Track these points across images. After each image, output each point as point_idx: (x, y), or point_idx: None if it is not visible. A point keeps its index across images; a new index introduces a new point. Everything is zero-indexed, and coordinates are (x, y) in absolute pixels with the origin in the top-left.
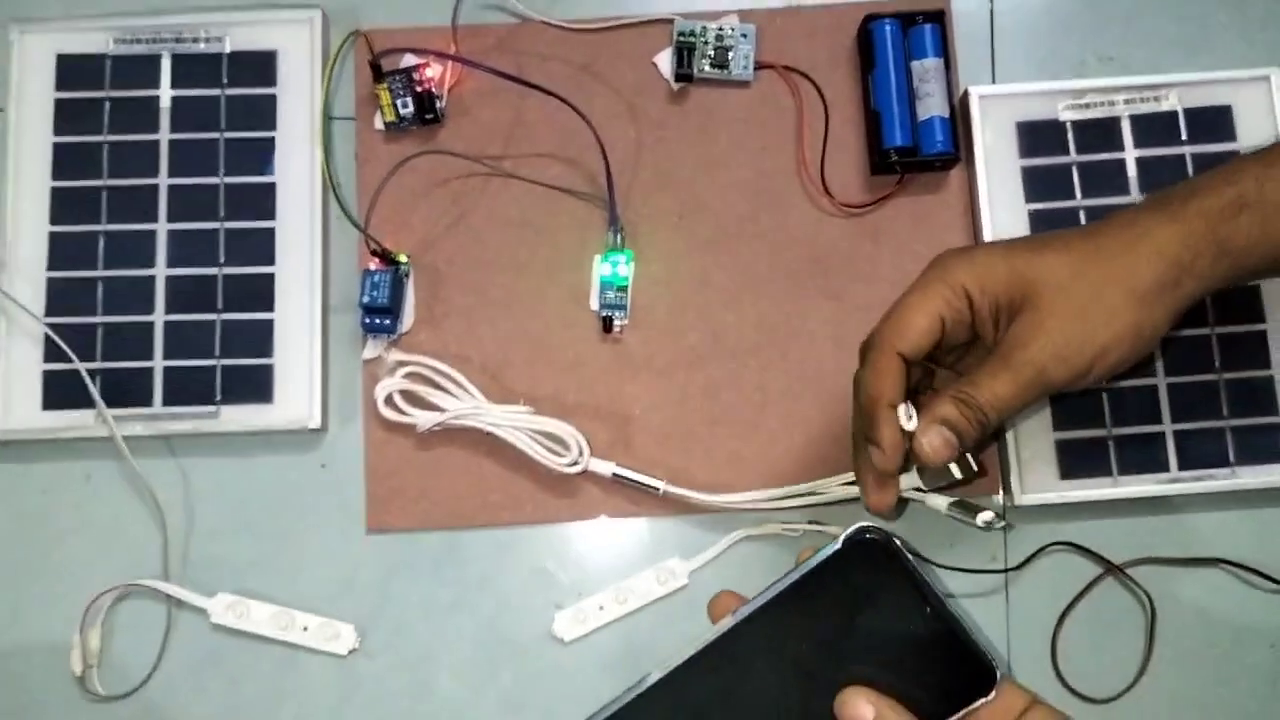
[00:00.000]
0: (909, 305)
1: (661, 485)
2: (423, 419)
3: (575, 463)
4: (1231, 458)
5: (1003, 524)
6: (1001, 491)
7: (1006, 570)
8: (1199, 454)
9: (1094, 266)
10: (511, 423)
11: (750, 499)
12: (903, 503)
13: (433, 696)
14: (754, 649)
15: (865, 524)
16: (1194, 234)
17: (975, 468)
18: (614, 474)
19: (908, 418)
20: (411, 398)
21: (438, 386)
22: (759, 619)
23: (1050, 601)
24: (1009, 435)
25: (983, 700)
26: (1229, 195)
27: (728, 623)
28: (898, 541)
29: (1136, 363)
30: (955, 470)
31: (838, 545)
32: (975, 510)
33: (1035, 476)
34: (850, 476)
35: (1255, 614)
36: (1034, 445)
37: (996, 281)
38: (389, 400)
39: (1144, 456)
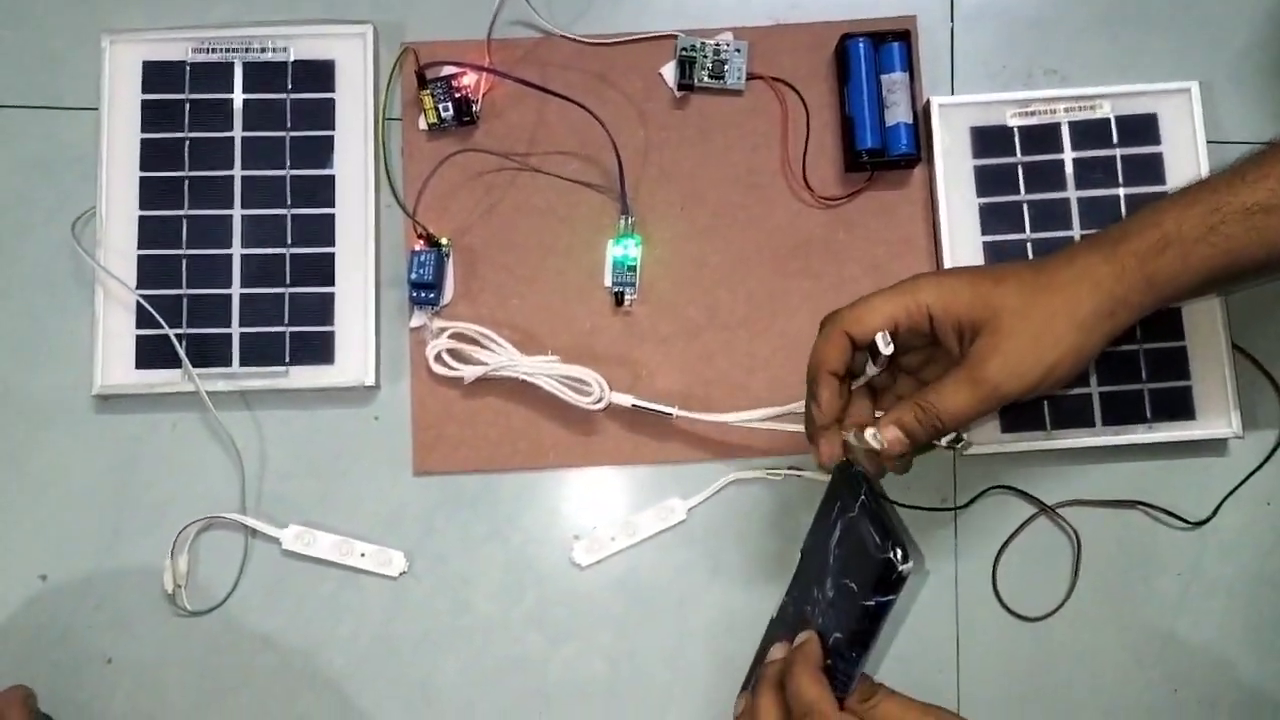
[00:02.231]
0: (871, 302)
1: (674, 410)
2: (468, 372)
3: (599, 400)
4: (1148, 415)
5: (963, 443)
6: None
7: (955, 509)
8: (1121, 412)
9: (1044, 298)
10: (542, 370)
11: (747, 417)
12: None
13: (470, 613)
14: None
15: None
16: (1126, 271)
17: (962, 436)
18: (633, 404)
19: (885, 344)
20: (457, 356)
21: (478, 345)
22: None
23: (992, 536)
24: None
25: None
26: (1154, 237)
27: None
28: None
29: (1077, 376)
30: (942, 440)
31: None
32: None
33: (981, 430)
34: None
35: (1164, 548)
36: None
37: (960, 304)
38: (439, 358)
39: (1074, 414)
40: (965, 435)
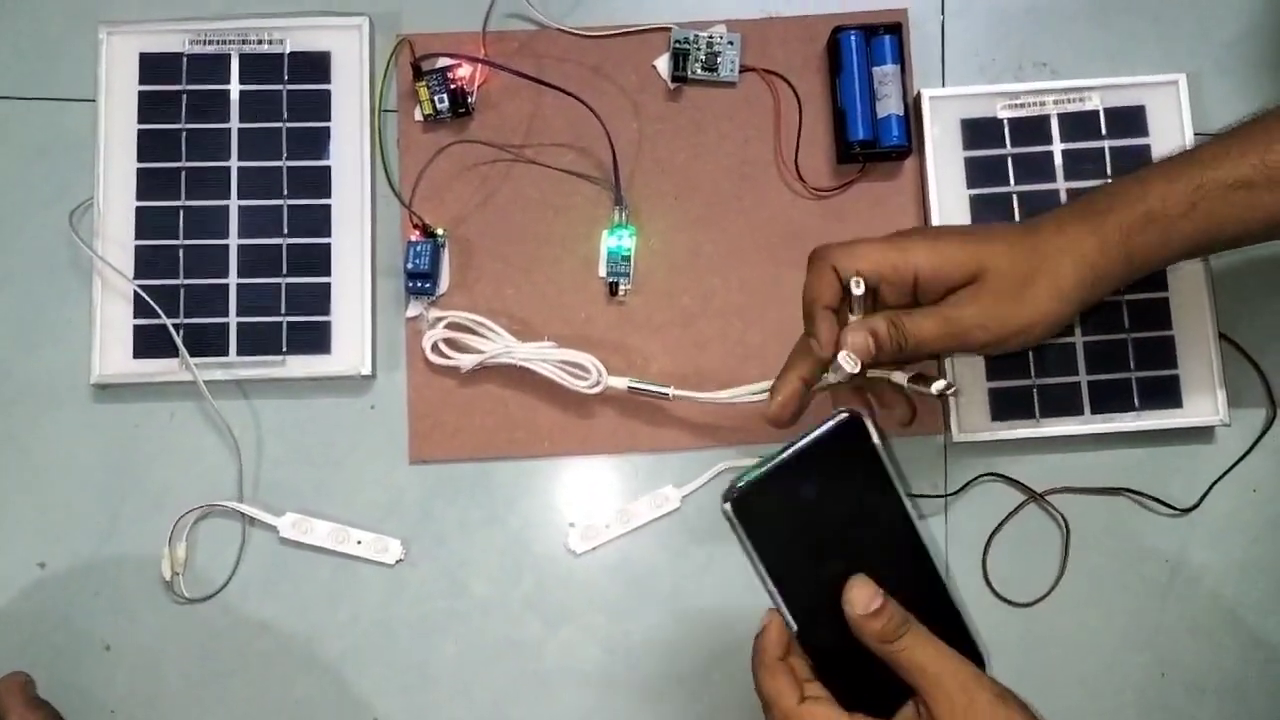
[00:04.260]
0: (861, 246)
1: (670, 389)
2: (465, 361)
3: (596, 383)
4: (1136, 404)
5: (953, 390)
6: (943, 431)
7: (946, 495)
8: (1109, 400)
9: (1029, 262)
10: (539, 356)
11: (742, 392)
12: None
13: (467, 598)
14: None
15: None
16: (1110, 246)
17: (954, 384)
18: (629, 386)
19: (856, 286)
20: (453, 345)
21: (474, 334)
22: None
23: (982, 522)
24: None
25: None
26: (1140, 211)
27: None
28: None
29: (1050, 338)
30: (933, 387)
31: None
32: (930, 380)
33: (971, 418)
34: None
35: (1152, 534)
36: (970, 392)
37: (950, 266)
38: (435, 348)
39: (1062, 402)
40: (955, 384)
